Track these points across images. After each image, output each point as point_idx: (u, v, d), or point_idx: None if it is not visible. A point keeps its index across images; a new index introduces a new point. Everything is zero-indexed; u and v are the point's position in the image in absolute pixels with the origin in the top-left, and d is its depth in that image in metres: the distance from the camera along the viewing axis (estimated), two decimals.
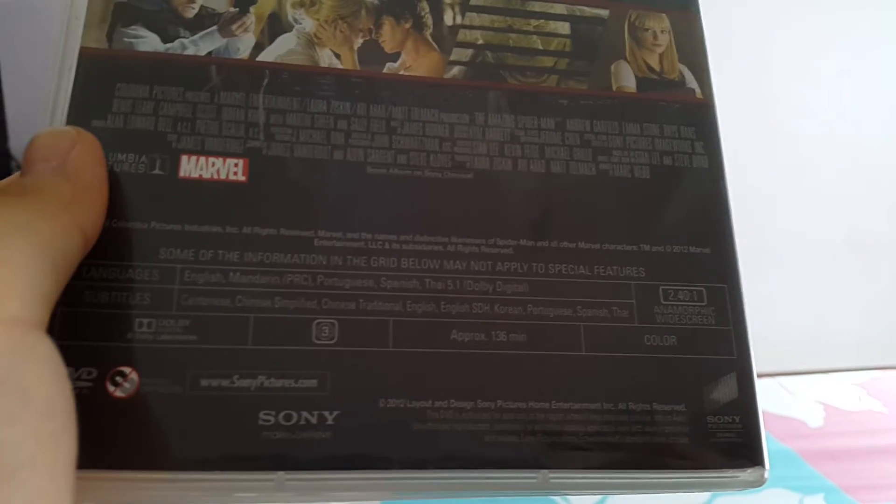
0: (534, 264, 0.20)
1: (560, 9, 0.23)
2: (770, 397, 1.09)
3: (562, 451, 0.19)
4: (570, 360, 0.19)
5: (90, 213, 0.17)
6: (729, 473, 0.19)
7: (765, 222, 1.23)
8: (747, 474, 0.19)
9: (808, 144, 1.22)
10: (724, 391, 0.20)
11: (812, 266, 1.28)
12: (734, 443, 0.19)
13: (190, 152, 0.19)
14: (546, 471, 0.18)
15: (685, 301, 0.20)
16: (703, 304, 0.21)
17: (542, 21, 0.23)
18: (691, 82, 0.23)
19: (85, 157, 0.18)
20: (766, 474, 0.19)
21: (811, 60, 1.19)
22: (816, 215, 1.25)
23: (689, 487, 0.19)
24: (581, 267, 0.20)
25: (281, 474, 0.17)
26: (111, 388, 0.17)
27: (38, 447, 0.14)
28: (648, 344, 0.20)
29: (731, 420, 0.19)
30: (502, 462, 0.18)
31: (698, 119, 0.23)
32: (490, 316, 0.19)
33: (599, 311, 0.20)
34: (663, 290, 0.20)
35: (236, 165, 0.19)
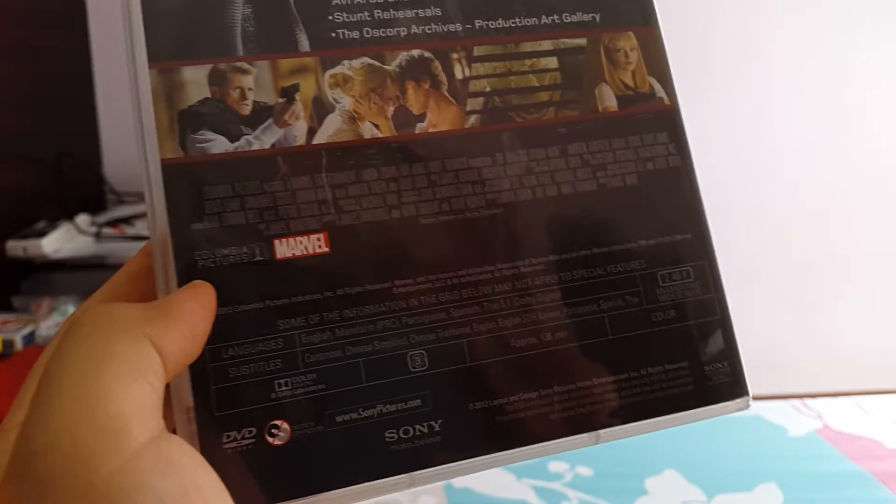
0: (561, 274, 0.25)
1: (547, 45, 0.27)
2: (845, 417, 1.07)
3: (604, 416, 0.25)
4: (601, 345, 0.25)
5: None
6: (723, 405, 0.26)
7: (841, 236, 1.26)
8: (736, 402, 0.26)
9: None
10: (714, 345, 0.26)
11: (890, 281, 1.28)
12: (726, 382, 0.26)
13: (280, 236, 0.23)
14: (597, 431, 0.24)
15: (678, 280, 0.26)
16: (691, 279, 0.26)
17: (534, 59, 0.27)
18: (660, 91, 0.28)
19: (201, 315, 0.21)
20: (750, 401, 0.26)
21: None
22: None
23: (698, 419, 0.26)
24: (597, 269, 0.26)
25: (411, 473, 0.23)
26: (270, 440, 0.22)
27: None
28: (655, 320, 0.26)
29: (721, 366, 0.26)
30: (565, 431, 0.24)
31: (669, 124, 0.28)
32: (537, 322, 0.25)
33: (616, 301, 0.26)
34: (660, 275, 0.26)
35: (319, 239, 0.23)
